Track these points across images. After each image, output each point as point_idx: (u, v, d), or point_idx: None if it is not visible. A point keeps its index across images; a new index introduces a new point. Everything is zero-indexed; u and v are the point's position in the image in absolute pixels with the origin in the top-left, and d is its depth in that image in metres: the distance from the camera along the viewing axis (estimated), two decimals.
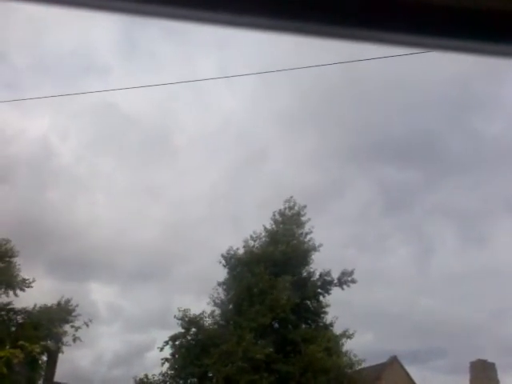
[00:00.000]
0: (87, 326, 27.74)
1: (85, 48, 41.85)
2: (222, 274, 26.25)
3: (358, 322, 34.74)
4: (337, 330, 25.17)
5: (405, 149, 37.85)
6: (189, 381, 25.07)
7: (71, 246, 36.53)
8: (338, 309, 26.59)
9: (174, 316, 24.91)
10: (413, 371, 31.34)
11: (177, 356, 24.83)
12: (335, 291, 25.78)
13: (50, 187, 38.70)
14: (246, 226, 26.52)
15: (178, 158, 40.47)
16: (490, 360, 30.15)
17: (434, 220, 42.29)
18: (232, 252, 25.78)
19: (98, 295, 45.56)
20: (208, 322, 25.48)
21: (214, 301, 25.72)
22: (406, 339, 36.66)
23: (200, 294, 25.66)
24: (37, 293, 34.64)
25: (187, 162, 40.05)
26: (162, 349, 24.82)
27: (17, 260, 28.65)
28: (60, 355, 28.63)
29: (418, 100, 34.86)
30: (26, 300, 28.29)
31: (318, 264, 26.09)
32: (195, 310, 25.59)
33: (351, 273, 25.39)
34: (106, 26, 29.35)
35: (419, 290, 41.80)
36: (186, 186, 40.90)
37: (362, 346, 35.14)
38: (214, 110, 39.97)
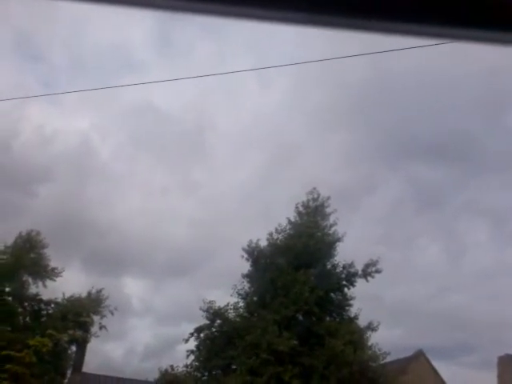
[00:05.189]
0: (112, 314, 28.33)
1: (122, 46, 42.49)
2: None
3: (387, 317, 34.63)
4: (363, 323, 25.06)
5: (437, 146, 37.22)
6: (213, 372, 25.28)
7: (107, 241, 37.57)
8: (368, 304, 26.47)
9: (200, 308, 25.15)
10: (441, 366, 31.05)
11: (202, 348, 25.08)
12: (365, 287, 25.53)
13: (88, 184, 39.66)
14: (277, 223, 26.54)
15: (210, 154, 40.86)
16: None
17: (466, 218, 41.84)
18: (253, 245, 25.78)
19: (131, 289, 46.92)
20: (232, 314, 25.66)
21: (238, 293, 25.89)
22: (435, 335, 36.36)
23: (230, 289, 25.99)
24: (73, 286, 35.65)
25: (220, 158, 40.43)
26: (187, 340, 25.11)
27: (47, 251, 29.41)
28: (93, 347, 29.35)
29: (450, 95, 34.16)
30: (60, 292, 29.15)
31: (348, 260, 25.93)
32: (223, 303, 25.78)
33: (375, 263, 25.06)
34: (142, 22, 29.68)
35: (449, 286, 41.50)
36: (219, 183, 41.27)
37: (391, 340, 35.21)
38: (247, 106, 40.21)
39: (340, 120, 38.40)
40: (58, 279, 29.12)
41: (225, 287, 26.40)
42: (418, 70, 29.13)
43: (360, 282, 25.40)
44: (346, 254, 26.11)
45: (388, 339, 34.25)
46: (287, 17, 0.85)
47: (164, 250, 40.30)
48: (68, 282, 30.34)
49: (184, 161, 41.16)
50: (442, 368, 31.13)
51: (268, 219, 37.04)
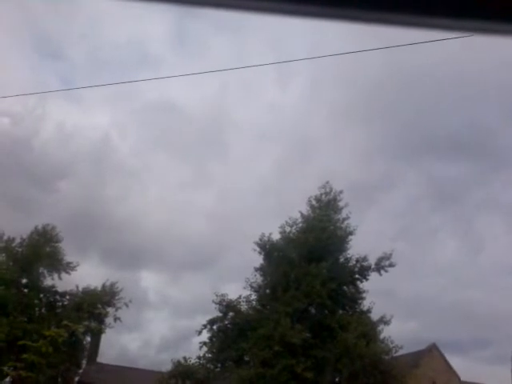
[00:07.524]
0: (127, 306, 28.59)
1: (139, 41, 42.69)
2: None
3: (402, 310, 34.63)
4: (377, 317, 25.01)
5: (455, 142, 36.90)
6: (226, 364, 25.43)
7: (125, 235, 38.05)
8: (383, 298, 26.41)
9: (213, 301, 25.28)
10: (456, 360, 31.11)
11: (214, 340, 25.23)
12: (381, 281, 25.49)
13: (107, 180, 40.08)
14: (290, 216, 26.59)
15: (227, 149, 41.02)
16: None
17: (484, 213, 41.48)
18: (265, 238, 25.80)
19: (148, 283, 47.50)
20: (245, 306, 25.76)
21: (250, 285, 25.97)
22: (451, 329, 36.36)
23: (245, 282, 26.17)
24: (92, 278, 36.10)
25: (236, 154, 40.54)
26: (200, 332, 25.28)
27: (66, 245, 29.81)
28: (110, 338, 29.74)
29: (470, 91, 33.72)
30: (78, 284, 29.60)
31: (363, 254, 25.88)
32: (237, 296, 25.89)
33: (389, 257, 24.99)
34: (160, 18, 29.76)
35: (466, 281, 41.40)
36: (236, 177, 41.43)
37: (406, 334, 35.29)
38: (264, 102, 40.20)
39: (358, 115, 38.19)
40: (77, 272, 29.55)
41: (241, 281, 26.57)
42: (437, 64, 28.79)
43: (377, 276, 25.41)
44: (363, 248, 26.13)
45: (403, 333, 34.36)
46: (301, 10, 0.88)
47: (181, 244, 40.72)
48: (87, 275, 30.85)
49: (201, 155, 41.37)
50: (456, 362, 31.07)
51: (284, 213, 37.10)
